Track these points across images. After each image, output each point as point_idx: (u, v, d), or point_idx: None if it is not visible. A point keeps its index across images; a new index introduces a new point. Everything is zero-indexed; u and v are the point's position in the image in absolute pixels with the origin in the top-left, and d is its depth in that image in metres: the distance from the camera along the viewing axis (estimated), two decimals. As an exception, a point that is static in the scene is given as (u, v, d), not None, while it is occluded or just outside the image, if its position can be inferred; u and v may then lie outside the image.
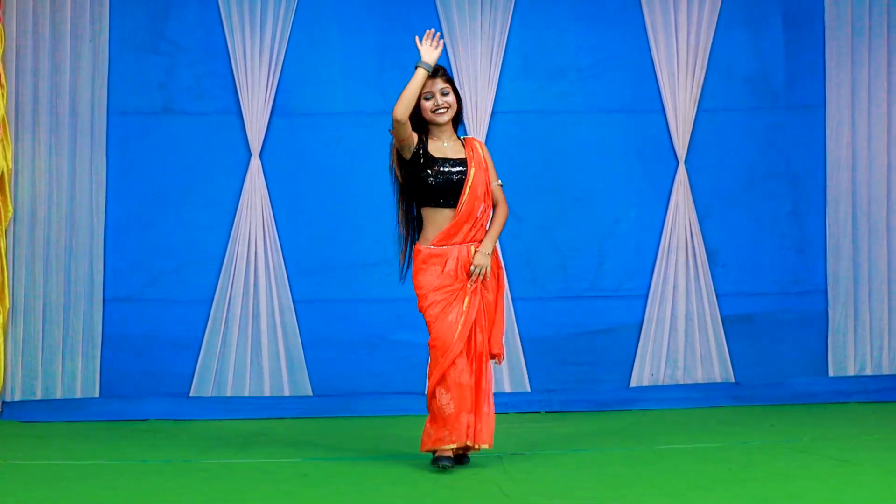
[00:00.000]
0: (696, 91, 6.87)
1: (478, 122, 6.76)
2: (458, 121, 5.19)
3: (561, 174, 6.86)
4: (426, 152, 5.07)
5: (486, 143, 6.70)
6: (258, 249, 6.70)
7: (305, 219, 6.78)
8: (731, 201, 6.96)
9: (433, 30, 5.02)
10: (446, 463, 4.94)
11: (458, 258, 5.03)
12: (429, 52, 4.98)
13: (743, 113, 6.96)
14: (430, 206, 5.09)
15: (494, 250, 5.15)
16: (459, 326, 4.95)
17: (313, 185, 6.79)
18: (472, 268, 5.02)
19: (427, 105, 5.07)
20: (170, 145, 6.75)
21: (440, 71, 5.09)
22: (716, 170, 6.96)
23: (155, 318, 6.70)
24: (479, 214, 5.08)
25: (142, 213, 6.74)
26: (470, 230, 5.07)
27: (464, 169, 5.06)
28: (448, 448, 4.94)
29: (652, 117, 6.90)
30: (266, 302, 6.71)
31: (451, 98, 5.09)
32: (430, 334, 5.02)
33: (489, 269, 5.04)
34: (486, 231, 5.12)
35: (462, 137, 5.19)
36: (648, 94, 6.89)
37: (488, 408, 5.02)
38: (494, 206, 5.18)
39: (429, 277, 5.04)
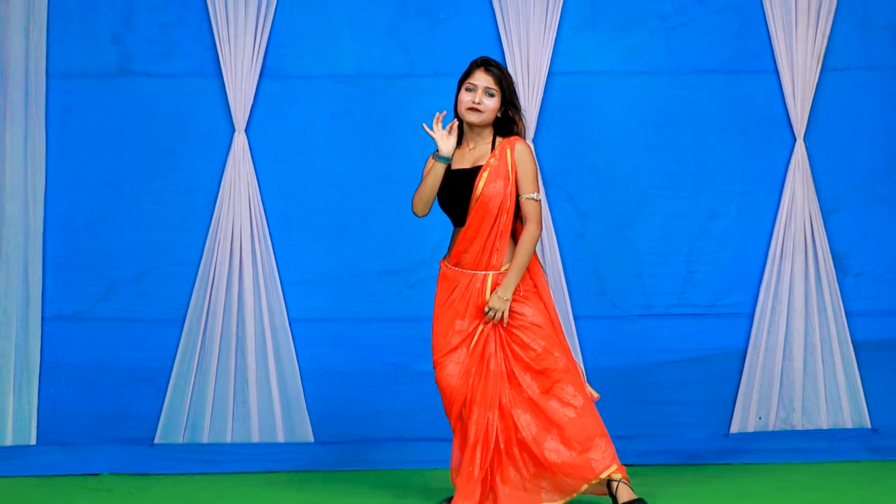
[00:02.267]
0: (822, 44, 6.45)
1: (530, 87, 6.39)
2: (506, 130, 5.25)
3: (639, 155, 6.46)
4: (448, 167, 5.26)
5: (540, 112, 6.45)
6: (244, 252, 6.41)
7: (304, 213, 6.50)
8: (865, 190, 6.54)
9: (444, 112, 5.22)
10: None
11: (467, 287, 5.19)
12: (444, 141, 5.17)
13: (882, 73, 6.51)
14: (454, 224, 5.29)
15: (532, 268, 5.25)
16: (455, 378, 5.17)
17: (314, 168, 6.50)
18: (486, 309, 5.15)
19: (465, 98, 5.20)
20: (129, 117, 6.46)
21: (494, 65, 5.24)
22: (846, 148, 6.53)
23: (110, 342, 6.44)
24: (491, 234, 5.15)
25: (93, 205, 6.45)
26: (481, 253, 5.18)
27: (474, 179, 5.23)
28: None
29: (761, 79, 6.50)
30: (254, 321, 6.41)
31: (492, 102, 5.17)
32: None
33: (506, 313, 5.13)
34: (512, 262, 5.21)
35: (502, 139, 5.27)
36: (757, 49, 6.50)
37: (515, 472, 5.17)
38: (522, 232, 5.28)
39: (437, 300, 5.26)
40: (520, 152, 5.18)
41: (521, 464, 5.11)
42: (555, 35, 6.39)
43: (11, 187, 6.33)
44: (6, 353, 6.31)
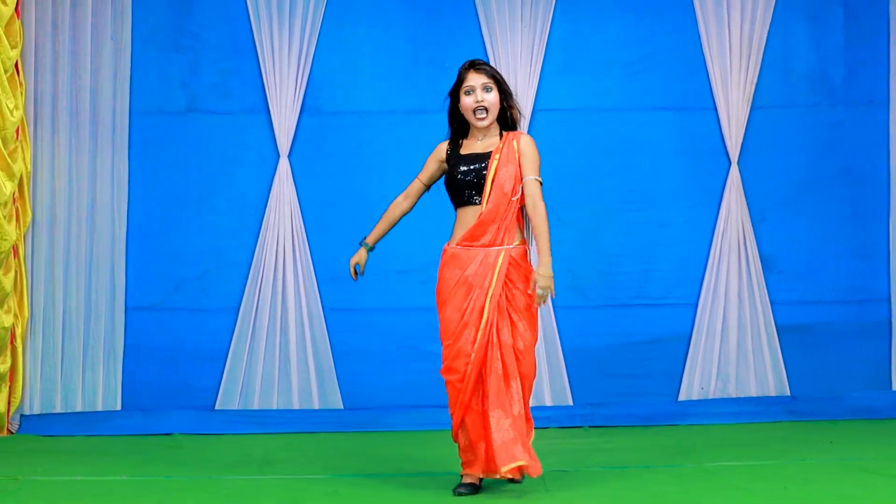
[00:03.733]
0: (750, 87, 6.88)
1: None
2: (508, 121, 5.07)
3: (606, 175, 6.88)
4: (457, 153, 5.06)
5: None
6: (286, 255, 6.76)
7: (336, 223, 6.82)
8: (787, 204, 6.97)
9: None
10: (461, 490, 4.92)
11: (482, 263, 4.93)
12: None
13: (800, 110, 6.97)
14: (460, 205, 5.03)
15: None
16: (473, 355, 4.88)
17: (344, 187, 6.85)
18: (537, 292, 4.87)
19: (468, 102, 4.98)
20: (194, 146, 6.82)
21: (481, 64, 5.02)
22: (771, 170, 6.96)
23: (179, 327, 6.78)
24: (506, 214, 4.94)
25: (165, 217, 6.81)
26: (498, 231, 4.95)
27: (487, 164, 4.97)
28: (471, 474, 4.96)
29: (703, 115, 6.92)
30: (295, 310, 6.76)
31: (492, 96, 4.97)
32: (442, 361, 4.99)
33: (552, 289, 4.92)
34: (535, 244, 4.98)
35: (507, 132, 5.06)
36: (699, 91, 6.91)
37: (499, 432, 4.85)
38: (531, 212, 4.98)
39: (445, 283, 5.01)
40: (524, 142, 4.97)
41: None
42: (538, 79, 6.77)
43: (101, 203, 6.67)
44: (97, 337, 6.66)
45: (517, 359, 4.88)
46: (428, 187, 5.19)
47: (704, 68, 6.90)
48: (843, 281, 6.98)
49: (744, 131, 6.89)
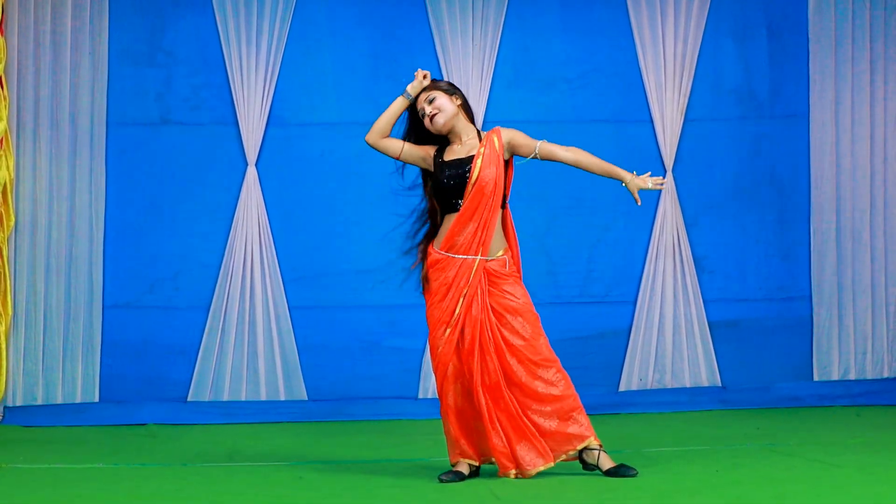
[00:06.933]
0: (683, 101, 6.92)
1: (469, 132, 6.82)
2: (470, 115, 4.84)
3: (551, 183, 6.83)
4: (441, 160, 4.79)
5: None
6: (254, 257, 6.73)
7: (300, 227, 6.80)
8: (717, 209, 7.01)
9: (423, 72, 4.80)
10: (444, 477, 4.79)
11: (458, 270, 4.71)
12: (413, 86, 4.78)
13: (729, 123, 7.00)
14: (447, 210, 4.77)
15: (516, 258, 4.83)
16: (450, 355, 4.74)
17: (308, 193, 6.82)
18: (650, 187, 4.86)
19: (425, 121, 4.80)
20: (167, 155, 6.77)
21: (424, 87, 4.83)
22: (702, 178, 6.99)
23: (153, 324, 6.73)
24: (484, 218, 4.68)
25: (140, 221, 6.76)
26: (476, 233, 4.68)
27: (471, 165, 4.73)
28: (458, 461, 4.85)
29: (640, 127, 6.93)
30: (262, 308, 6.73)
31: (439, 102, 4.75)
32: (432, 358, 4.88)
33: (645, 179, 4.88)
34: (606, 171, 4.90)
35: (485, 133, 4.85)
36: (636, 105, 6.92)
37: (498, 439, 4.70)
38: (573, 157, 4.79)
39: (433, 285, 4.76)
40: (505, 134, 4.78)
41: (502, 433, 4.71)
42: (488, 93, 6.77)
43: (80, 208, 6.62)
44: (76, 333, 6.61)
45: (521, 349, 4.72)
46: (399, 156, 4.85)
47: (641, 84, 6.93)
48: (768, 280, 7.02)
49: (677, 142, 6.93)
